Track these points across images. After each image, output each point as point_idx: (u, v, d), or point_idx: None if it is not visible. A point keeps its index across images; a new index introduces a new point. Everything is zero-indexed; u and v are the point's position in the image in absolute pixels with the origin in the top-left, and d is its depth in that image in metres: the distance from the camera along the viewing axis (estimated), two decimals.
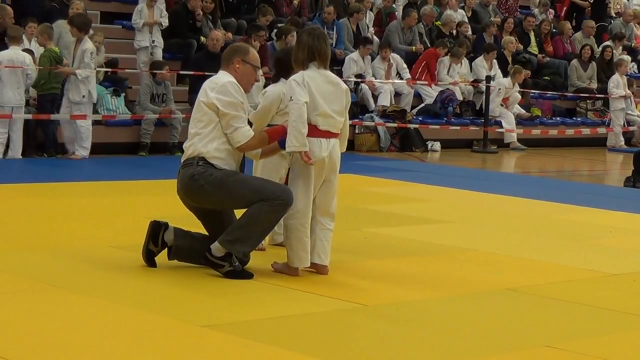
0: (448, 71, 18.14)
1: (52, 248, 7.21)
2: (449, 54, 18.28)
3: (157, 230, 6.59)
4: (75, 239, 7.59)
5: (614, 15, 23.53)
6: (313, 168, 6.53)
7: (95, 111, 13.83)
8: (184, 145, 6.66)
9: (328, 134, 6.59)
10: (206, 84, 6.62)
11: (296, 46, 6.76)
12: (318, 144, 6.54)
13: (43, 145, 13.12)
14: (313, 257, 6.65)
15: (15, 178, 11.07)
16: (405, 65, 17.74)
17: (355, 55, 17.07)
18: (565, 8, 22.50)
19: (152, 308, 5.69)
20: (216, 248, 6.43)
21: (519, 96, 18.49)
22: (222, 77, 6.59)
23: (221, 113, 6.46)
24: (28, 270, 6.44)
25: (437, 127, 17.11)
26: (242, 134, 6.48)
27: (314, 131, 6.51)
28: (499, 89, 17.76)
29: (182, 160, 6.60)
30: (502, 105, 18.11)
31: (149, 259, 6.60)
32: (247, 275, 6.46)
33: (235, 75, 6.61)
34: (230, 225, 6.51)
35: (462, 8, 20.53)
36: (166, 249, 6.61)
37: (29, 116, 12.76)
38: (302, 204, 6.54)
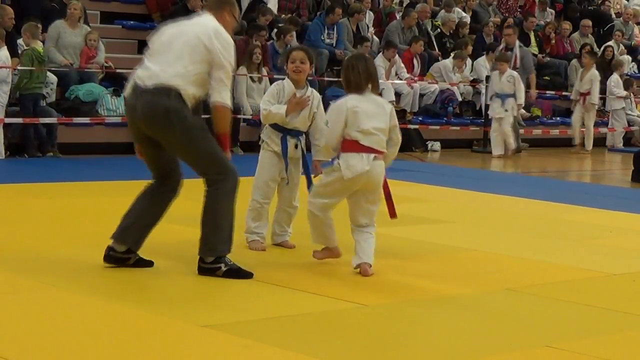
0: (453, 72, 18.15)
1: (51, 248, 7.20)
2: (454, 56, 18.26)
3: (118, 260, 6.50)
4: (75, 239, 7.59)
5: (614, 16, 23.54)
6: (346, 179, 6.67)
7: (95, 111, 13.87)
8: (143, 70, 6.31)
9: (370, 150, 6.68)
10: (204, 28, 6.33)
11: (350, 71, 6.79)
12: (359, 158, 6.65)
13: (23, 145, 13.10)
14: (355, 259, 6.79)
15: (13, 178, 11.07)
16: (403, 65, 17.74)
17: None
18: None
19: (152, 308, 5.69)
20: (204, 255, 6.36)
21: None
22: (220, 28, 6.37)
23: (219, 64, 6.26)
24: (28, 270, 6.43)
25: (437, 127, 17.12)
26: (228, 96, 6.30)
27: (354, 146, 6.65)
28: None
29: (147, 84, 6.24)
30: (505, 111, 18.07)
31: (138, 263, 6.54)
32: (246, 274, 6.43)
33: (223, 23, 6.44)
34: (169, 172, 6.42)
35: (463, 9, 20.54)
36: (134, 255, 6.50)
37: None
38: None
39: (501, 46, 17.93)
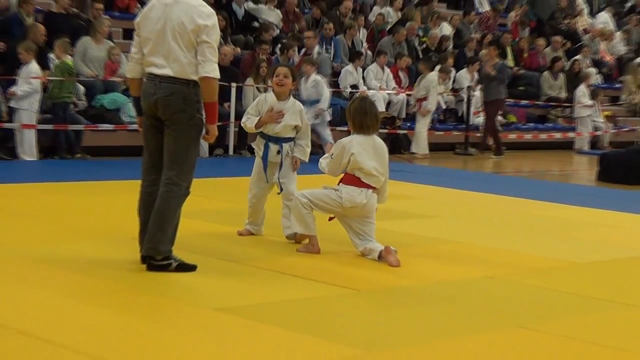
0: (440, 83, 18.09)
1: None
2: (439, 70, 18.22)
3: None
4: (100, 233, 7.57)
5: (582, 33, 23.60)
6: (344, 206, 6.99)
7: (118, 117, 13.89)
8: (158, 68, 6.12)
9: (368, 186, 7.05)
10: (186, 8, 6.06)
11: (364, 115, 7.03)
12: (359, 192, 7.00)
13: (54, 148, 13.16)
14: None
15: (45, 177, 11.08)
16: (391, 76, 17.73)
17: (350, 67, 17.10)
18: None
19: (166, 293, 5.71)
20: (153, 254, 6.19)
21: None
22: (201, 6, 6.11)
23: (203, 40, 6.01)
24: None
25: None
26: (212, 68, 6.03)
27: (356, 182, 7.02)
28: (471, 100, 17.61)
29: (163, 73, 6.10)
30: (315, 118, 17.87)
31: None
32: (191, 267, 6.27)
33: None
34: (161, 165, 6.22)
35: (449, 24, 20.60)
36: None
37: None
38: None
39: (302, 51, 16.06)
